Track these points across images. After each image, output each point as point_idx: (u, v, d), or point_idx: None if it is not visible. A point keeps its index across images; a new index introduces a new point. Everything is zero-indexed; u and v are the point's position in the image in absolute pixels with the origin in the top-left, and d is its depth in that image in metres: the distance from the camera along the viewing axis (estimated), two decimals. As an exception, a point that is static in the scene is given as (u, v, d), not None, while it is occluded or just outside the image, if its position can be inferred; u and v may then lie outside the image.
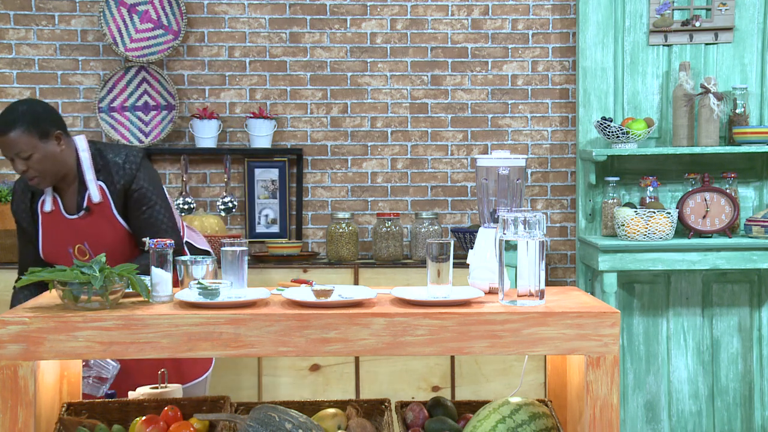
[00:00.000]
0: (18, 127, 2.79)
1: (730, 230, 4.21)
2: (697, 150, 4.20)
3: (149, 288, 2.22)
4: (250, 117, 4.41)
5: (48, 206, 2.95)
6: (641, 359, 4.48)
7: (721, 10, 4.36)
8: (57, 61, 4.46)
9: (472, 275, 2.36)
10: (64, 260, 2.91)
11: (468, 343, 2.07)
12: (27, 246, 3.04)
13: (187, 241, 3.13)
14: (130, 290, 2.26)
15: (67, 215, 2.94)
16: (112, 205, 2.92)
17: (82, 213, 2.92)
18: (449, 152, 4.57)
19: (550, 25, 4.54)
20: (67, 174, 2.92)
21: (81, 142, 2.94)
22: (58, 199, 2.96)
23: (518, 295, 2.16)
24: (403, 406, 2.45)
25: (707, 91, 4.21)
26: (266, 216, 4.51)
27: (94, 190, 2.90)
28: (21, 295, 2.98)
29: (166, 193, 3.06)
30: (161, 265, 2.22)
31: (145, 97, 4.46)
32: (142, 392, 2.58)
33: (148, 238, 2.87)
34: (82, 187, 2.92)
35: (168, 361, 2.83)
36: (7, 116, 2.82)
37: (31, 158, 2.82)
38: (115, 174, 2.91)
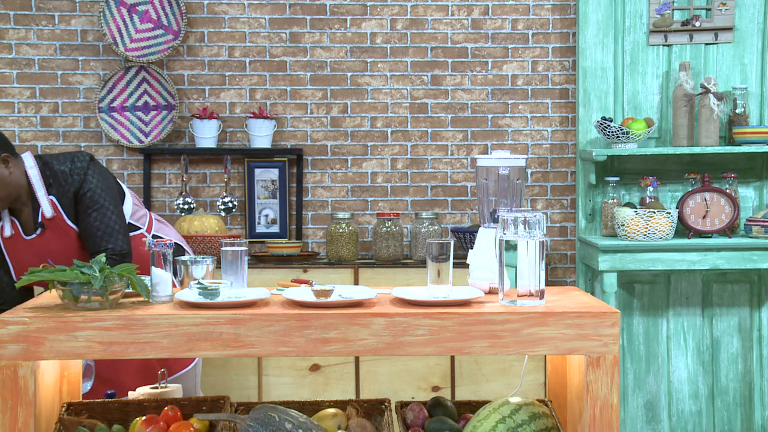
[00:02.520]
0: None
1: (730, 230, 4.21)
2: (697, 150, 4.20)
3: (149, 288, 2.22)
4: (250, 117, 4.41)
5: (7, 231, 2.91)
6: (641, 359, 4.48)
7: (721, 10, 4.36)
8: (57, 61, 4.46)
9: (472, 275, 2.36)
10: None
11: (468, 343, 2.07)
12: None
13: (155, 234, 3.11)
14: (130, 290, 2.26)
15: (25, 236, 2.91)
16: (65, 215, 2.88)
17: (38, 231, 2.88)
18: (449, 152, 4.57)
19: (550, 25, 4.54)
20: (20, 195, 2.88)
21: (28, 160, 2.89)
22: (17, 222, 2.92)
23: (518, 295, 2.16)
24: (403, 406, 2.45)
25: (707, 91, 4.21)
26: (266, 216, 4.51)
27: (46, 205, 2.86)
28: None
29: (129, 192, 3.03)
30: (160, 265, 2.22)
31: (145, 97, 4.46)
32: (142, 392, 2.58)
33: (97, 240, 2.86)
34: (37, 204, 2.88)
35: None
36: None
37: None
38: (64, 183, 2.87)
